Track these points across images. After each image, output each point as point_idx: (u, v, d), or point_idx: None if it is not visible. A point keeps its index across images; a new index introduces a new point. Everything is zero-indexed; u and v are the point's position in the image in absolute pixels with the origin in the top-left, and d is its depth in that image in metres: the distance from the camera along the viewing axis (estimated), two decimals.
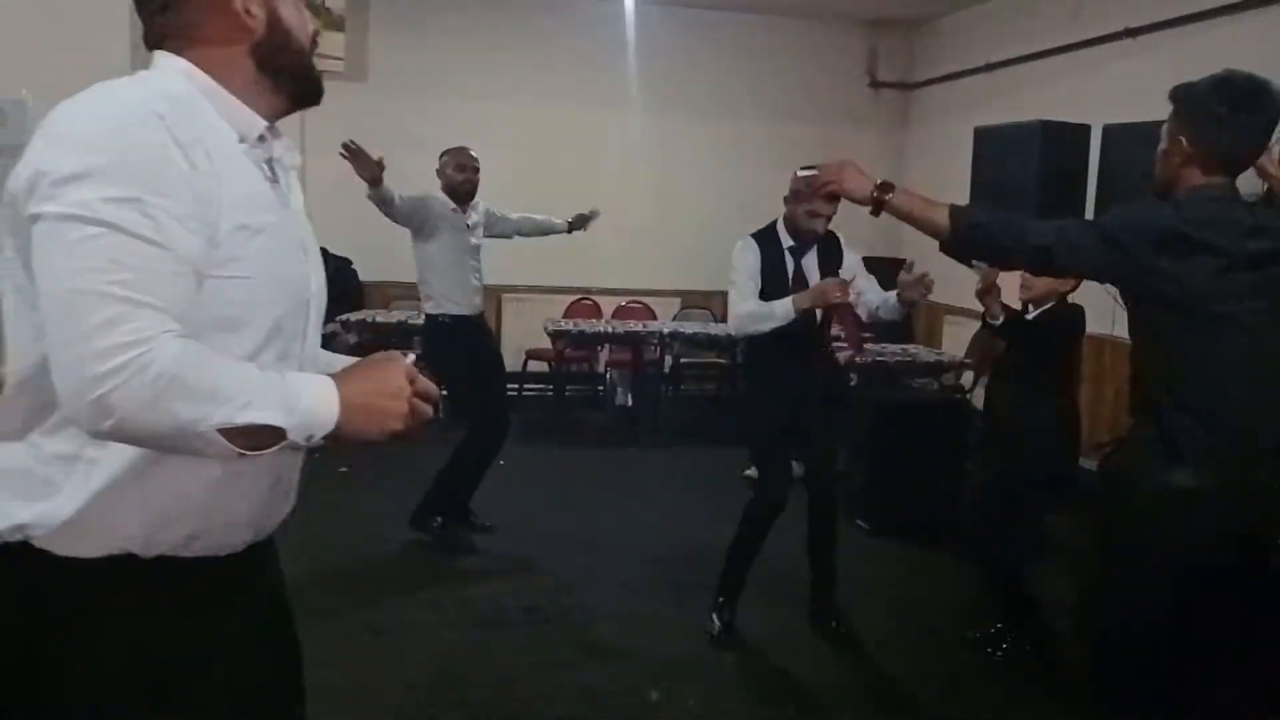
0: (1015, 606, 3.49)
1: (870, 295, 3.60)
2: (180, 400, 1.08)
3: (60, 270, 1.09)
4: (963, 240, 2.21)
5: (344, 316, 6.58)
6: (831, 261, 3.64)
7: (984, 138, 5.30)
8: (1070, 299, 3.67)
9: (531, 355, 7.55)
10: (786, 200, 3.60)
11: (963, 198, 5.32)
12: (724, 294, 5.95)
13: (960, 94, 7.56)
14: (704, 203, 7.69)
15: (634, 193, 7.47)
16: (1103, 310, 5.55)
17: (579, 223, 5.08)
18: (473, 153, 4.52)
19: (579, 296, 7.82)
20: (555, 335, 6.74)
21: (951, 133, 6.99)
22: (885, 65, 8.37)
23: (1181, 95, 2.16)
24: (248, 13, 1.29)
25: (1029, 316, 3.66)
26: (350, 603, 3.80)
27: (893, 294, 3.50)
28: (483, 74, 7.38)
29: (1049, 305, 3.61)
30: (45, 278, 1.11)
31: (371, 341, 6.35)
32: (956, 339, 7.08)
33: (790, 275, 3.57)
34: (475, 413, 4.55)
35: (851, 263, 3.67)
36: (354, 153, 4.08)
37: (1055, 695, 2.96)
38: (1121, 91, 5.65)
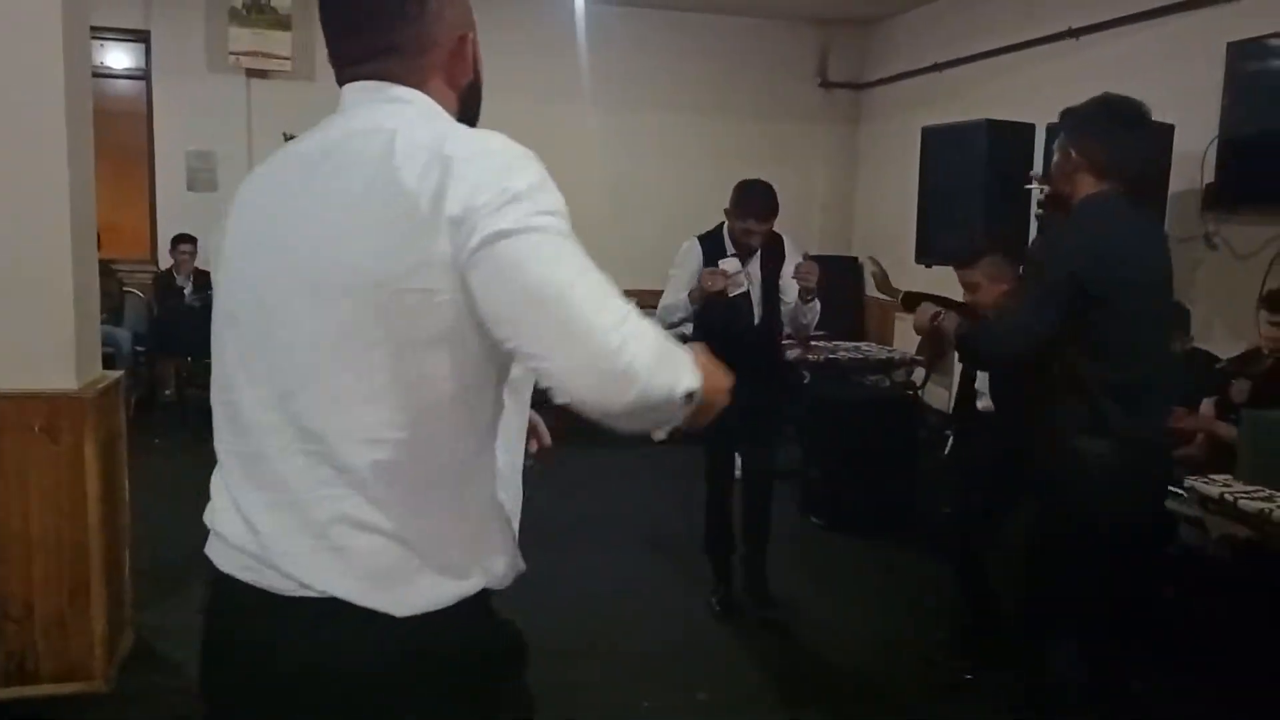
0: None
1: (790, 305, 3.71)
2: (667, 364, 1.10)
3: (556, 267, 1.09)
4: (960, 350, 2.59)
5: None
6: (774, 264, 3.69)
7: (931, 137, 5.37)
8: None
9: None
10: (727, 212, 3.68)
11: (912, 197, 5.39)
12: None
13: (909, 93, 7.64)
14: (658, 201, 7.69)
15: (588, 190, 7.44)
16: None
17: None
18: None
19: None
20: None
21: (901, 132, 7.06)
22: (836, 65, 8.42)
23: (1071, 114, 2.50)
24: (475, 58, 1.32)
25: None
26: None
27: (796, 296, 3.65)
28: None
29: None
30: (536, 280, 1.08)
31: None
32: (908, 336, 7.16)
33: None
34: None
35: (791, 269, 3.70)
36: None
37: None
38: (1065, 91, 5.72)
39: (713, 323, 3.51)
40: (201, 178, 7.19)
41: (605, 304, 1.10)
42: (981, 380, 3.99)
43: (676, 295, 3.66)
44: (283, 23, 7.09)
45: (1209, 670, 3.29)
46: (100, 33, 6.60)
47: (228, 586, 1.24)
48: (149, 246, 7.34)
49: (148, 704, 3.00)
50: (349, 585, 1.14)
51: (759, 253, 3.66)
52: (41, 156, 2.79)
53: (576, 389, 1.09)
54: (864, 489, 4.94)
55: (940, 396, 6.35)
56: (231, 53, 7.01)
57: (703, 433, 3.65)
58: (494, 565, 1.26)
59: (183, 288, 6.88)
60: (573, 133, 7.74)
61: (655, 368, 1.08)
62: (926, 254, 5.14)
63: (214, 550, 1.29)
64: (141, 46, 7.19)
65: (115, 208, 6.76)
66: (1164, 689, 3.30)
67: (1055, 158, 2.49)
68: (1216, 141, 4.66)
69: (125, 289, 6.98)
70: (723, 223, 3.73)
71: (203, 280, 6.91)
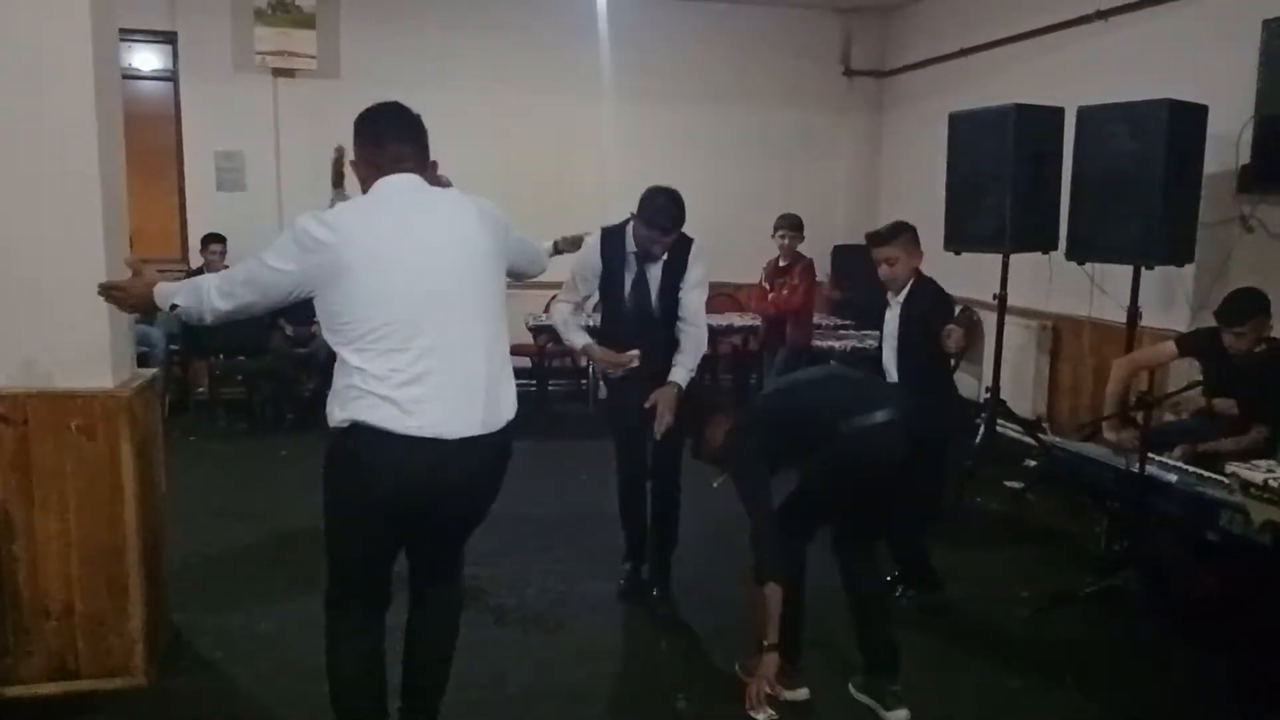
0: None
1: (687, 333, 3.61)
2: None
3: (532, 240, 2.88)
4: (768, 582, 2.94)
5: None
6: (675, 272, 3.60)
7: (959, 122, 5.31)
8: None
9: (513, 351, 7.47)
10: (633, 215, 3.56)
11: (939, 182, 5.34)
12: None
13: (934, 79, 7.57)
14: (682, 192, 7.66)
15: (610, 183, 7.43)
16: (1081, 292, 5.60)
17: (567, 246, 4.90)
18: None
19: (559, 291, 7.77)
20: (536, 330, 6.71)
21: (926, 118, 6.99)
22: (859, 52, 8.36)
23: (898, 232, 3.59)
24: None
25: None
26: None
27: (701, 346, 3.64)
28: (456, 66, 7.31)
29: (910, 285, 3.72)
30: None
31: None
32: None
33: (630, 280, 3.58)
34: None
35: (696, 276, 3.63)
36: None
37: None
38: (1094, 73, 5.67)
39: (616, 330, 3.59)
40: (230, 177, 7.25)
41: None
42: None
43: (568, 318, 3.73)
44: (307, 21, 7.13)
45: (1252, 657, 3.25)
46: (127, 35, 6.65)
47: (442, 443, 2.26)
48: (179, 246, 7.41)
49: (188, 700, 3.03)
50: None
51: (663, 262, 3.58)
52: (73, 159, 2.81)
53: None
54: None
55: (970, 386, 6.29)
56: (257, 52, 7.05)
57: (612, 430, 3.80)
58: None
59: None
60: (595, 124, 7.73)
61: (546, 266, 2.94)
62: (955, 240, 5.09)
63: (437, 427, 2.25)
64: (168, 48, 7.25)
65: (145, 209, 6.82)
66: (1207, 676, 3.28)
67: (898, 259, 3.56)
68: (1252, 122, 4.59)
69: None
70: (629, 220, 3.60)
71: None
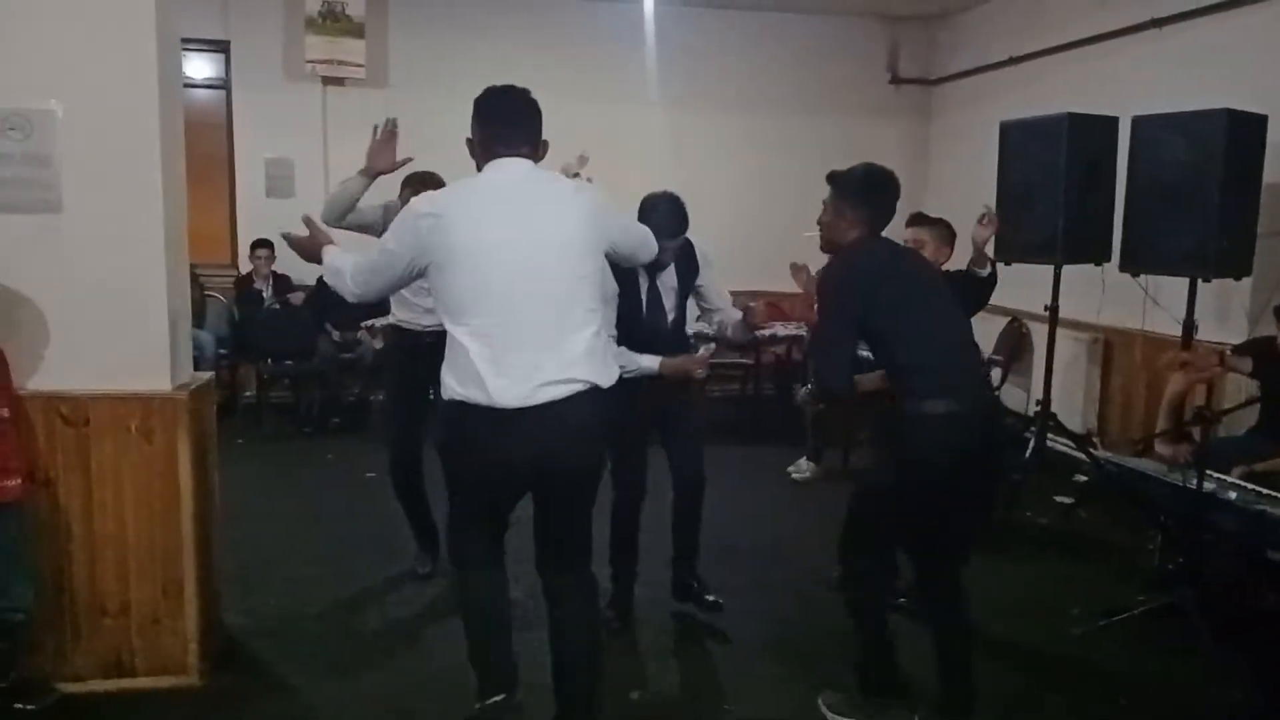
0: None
1: (723, 313, 3.67)
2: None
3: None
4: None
5: (369, 321, 6.61)
6: (689, 274, 3.58)
7: (1010, 131, 5.25)
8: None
9: None
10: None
11: (989, 192, 5.28)
12: (750, 293, 5.97)
13: (983, 87, 7.49)
14: (728, 201, 7.66)
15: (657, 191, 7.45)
16: (1133, 304, 5.51)
17: None
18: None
19: None
20: None
21: (975, 126, 6.93)
22: (906, 60, 8.30)
23: (839, 180, 2.98)
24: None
25: None
26: (373, 599, 3.81)
27: (738, 313, 3.63)
28: (504, 76, 7.18)
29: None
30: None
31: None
32: (989, 335, 7.02)
33: (645, 292, 3.50)
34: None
35: (709, 263, 3.63)
36: (391, 135, 3.53)
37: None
38: (1147, 81, 5.58)
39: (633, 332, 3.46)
40: (279, 184, 7.35)
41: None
42: None
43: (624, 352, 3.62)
44: (356, 30, 7.22)
45: None
46: (183, 44, 6.76)
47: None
48: (229, 251, 7.53)
49: (238, 699, 3.07)
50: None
51: (675, 267, 3.54)
52: (137, 166, 2.87)
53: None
54: None
55: (1018, 398, 6.21)
56: (308, 61, 7.15)
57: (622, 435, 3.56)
58: None
59: (261, 290, 7.05)
60: (642, 134, 7.75)
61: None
62: (1006, 250, 5.03)
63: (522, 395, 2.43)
64: (221, 56, 7.37)
65: (197, 214, 6.89)
66: (1267, 696, 3.21)
67: (828, 215, 2.97)
68: None
69: (206, 293, 7.17)
70: None
71: (282, 284, 7.07)
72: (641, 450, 3.60)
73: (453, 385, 2.47)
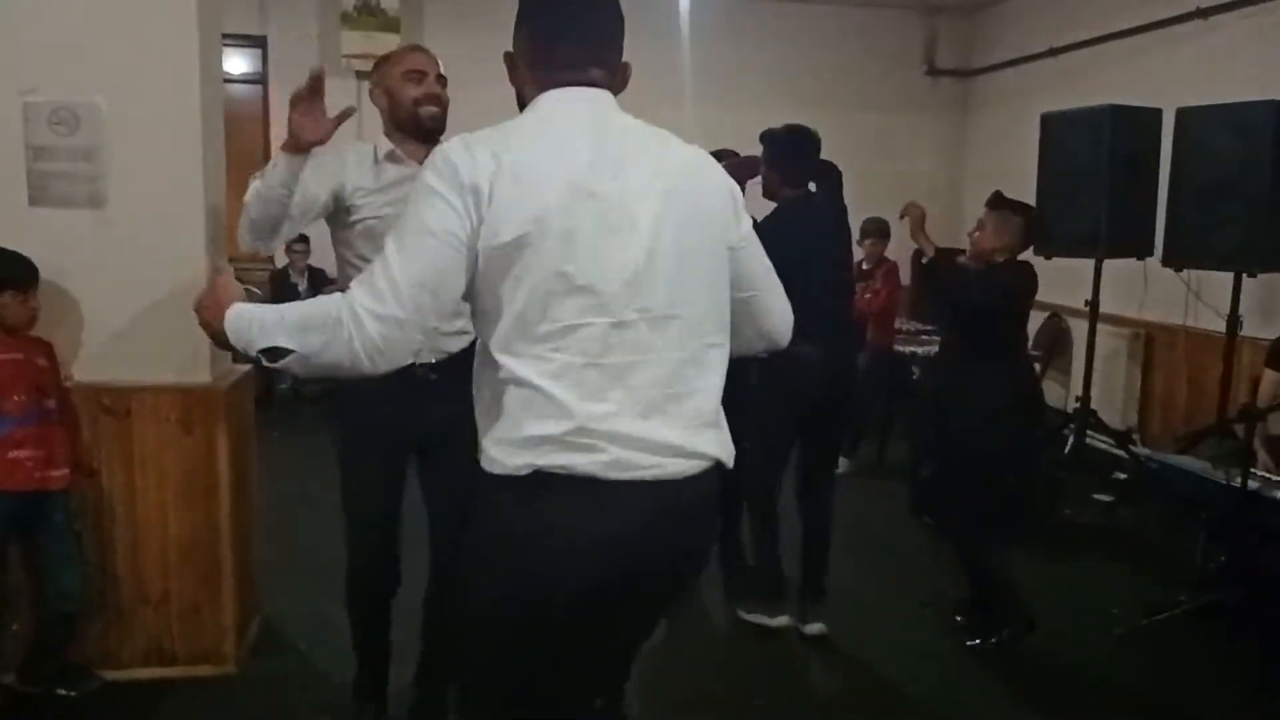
0: (987, 590, 3.49)
1: None
2: None
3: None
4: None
5: None
6: None
7: (1051, 123, 5.18)
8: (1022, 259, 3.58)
9: None
10: None
11: (1029, 185, 5.21)
12: None
13: (1022, 80, 7.40)
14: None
15: None
16: (1176, 299, 5.42)
17: None
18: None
19: None
20: None
21: (1015, 118, 6.85)
22: (943, 52, 8.22)
23: (769, 139, 3.65)
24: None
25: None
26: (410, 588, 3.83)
27: None
28: None
29: (996, 262, 3.48)
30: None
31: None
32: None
33: None
34: None
35: None
36: (315, 89, 2.49)
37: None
38: (1192, 73, 5.49)
39: None
40: None
41: None
42: None
43: None
44: (392, 25, 7.26)
45: None
46: (222, 39, 6.84)
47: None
48: None
49: (275, 686, 3.09)
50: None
51: None
52: (179, 160, 2.89)
53: None
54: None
55: (1058, 395, 6.13)
56: (344, 55, 7.19)
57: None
58: None
59: (297, 284, 7.10)
60: (676, 125, 7.64)
61: None
62: (1046, 244, 4.96)
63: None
64: (258, 52, 7.44)
65: (233, 208, 6.98)
66: None
67: (764, 170, 3.55)
68: None
69: (244, 287, 7.22)
70: None
71: (317, 277, 7.12)
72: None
73: (510, 449, 1.46)
